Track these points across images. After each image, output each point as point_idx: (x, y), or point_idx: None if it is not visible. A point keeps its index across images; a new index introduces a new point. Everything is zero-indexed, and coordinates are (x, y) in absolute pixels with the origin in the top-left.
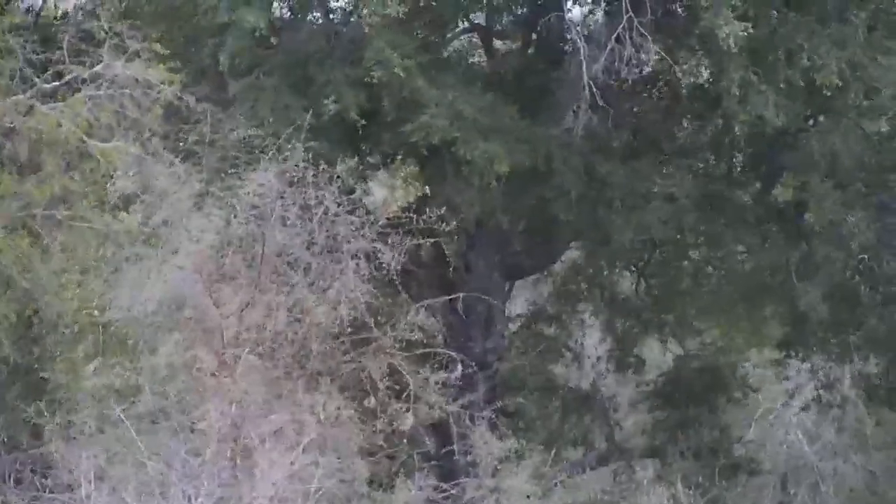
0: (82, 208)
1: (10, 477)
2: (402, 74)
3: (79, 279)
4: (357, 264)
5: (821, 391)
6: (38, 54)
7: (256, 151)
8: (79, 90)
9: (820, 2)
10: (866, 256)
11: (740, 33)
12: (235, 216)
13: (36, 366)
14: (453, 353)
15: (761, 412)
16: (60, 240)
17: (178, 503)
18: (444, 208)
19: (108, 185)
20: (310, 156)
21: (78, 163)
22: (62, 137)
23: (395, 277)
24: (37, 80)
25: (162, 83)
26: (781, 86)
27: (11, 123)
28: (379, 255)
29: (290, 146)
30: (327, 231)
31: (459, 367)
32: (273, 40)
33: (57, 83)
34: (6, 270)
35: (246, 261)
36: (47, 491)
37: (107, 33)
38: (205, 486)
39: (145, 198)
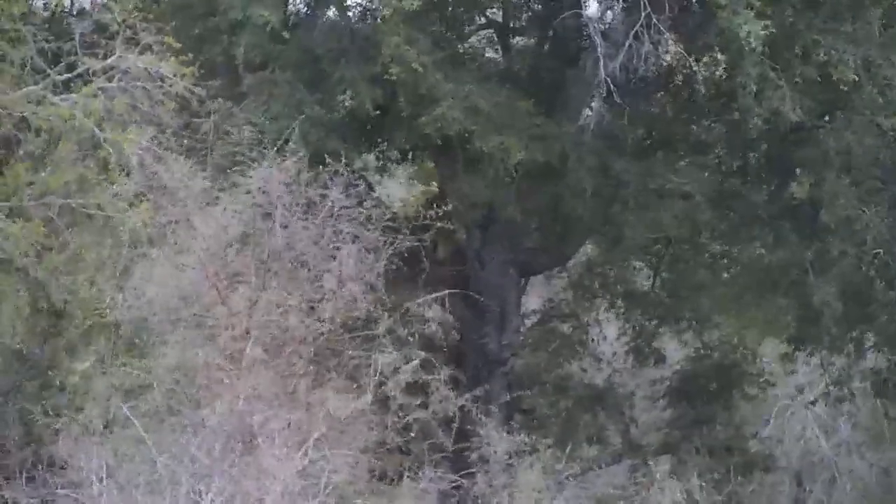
0: (96, 196)
1: (21, 474)
2: (420, 70)
3: (91, 277)
4: (367, 260)
5: (831, 387)
6: (49, 42)
7: (266, 148)
8: (91, 82)
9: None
10: (881, 252)
11: (760, 32)
12: (242, 213)
13: (47, 363)
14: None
15: (778, 408)
16: (74, 230)
17: (188, 500)
18: (458, 203)
19: (121, 176)
20: (319, 152)
21: (91, 153)
22: (75, 128)
23: (407, 273)
24: (49, 71)
25: (175, 76)
26: (797, 80)
27: (23, 112)
28: (390, 250)
29: (299, 142)
30: (335, 227)
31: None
32: (286, 34)
33: (70, 75)
34: (20, 260)
35: (253, 257)
36: (58, 488)
37: (120, 25)
38: (214, 482)
39: (153, 196)
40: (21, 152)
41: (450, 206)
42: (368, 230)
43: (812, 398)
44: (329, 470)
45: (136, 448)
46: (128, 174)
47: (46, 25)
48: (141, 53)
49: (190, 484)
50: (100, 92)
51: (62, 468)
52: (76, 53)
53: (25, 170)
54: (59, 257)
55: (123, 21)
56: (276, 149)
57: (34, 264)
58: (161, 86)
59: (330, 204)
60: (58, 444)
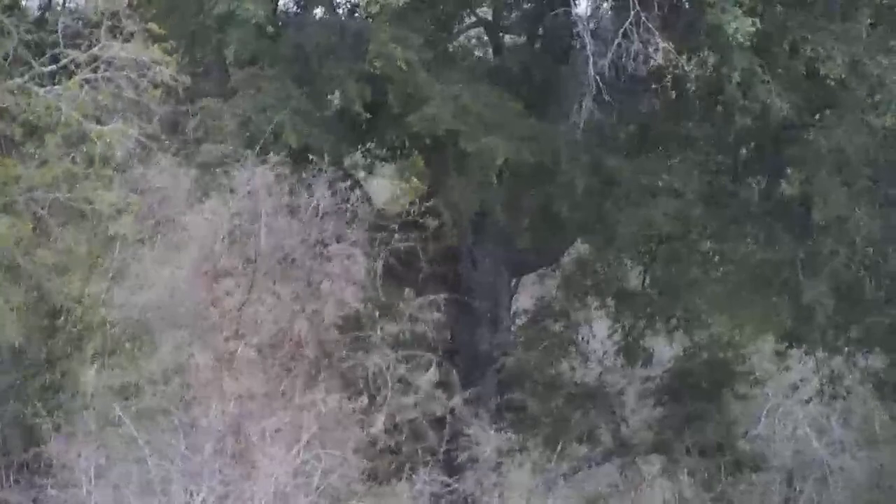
0: (84, 189)
1: (10, 475)
2: (404, 68)
3: (84, 275)
4: (358, 260)
5: (824, 385)
6: (31, 34)
7: (252, 146)
8: (75, 73)
9: None
10: (871, 251)
11: (748, 28)
12: (231, 212)
13: (42, 362)
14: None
15: (769, 407)
16: (65, 228)
17: (180, 500)
18: (449, 203)
19: (108, 169)
20: (309, 149)
21: (77, 146)
22: (61, 120)
23: (398, 273)
24: (34, 62)
25: (158, 63)
26: (781, 72)
27: (4, 104)
28: (381, 250)
29: (290, 137)
30: (327, 226)
31: (434, 367)
32: (270, 29)
33: (54, 66)
34: (9, 256)
35: (243, 257)
36: (49, 488)
37: (103, 14)
38: (206, 482)
39: (141, 195)
40: (9, 148)
41: (440, 205)
42: (357, 229)
43: (806, 397)
44: (321, 470)
45: (128, 448)
46: (115, 169)
47: (31, 19)
48: (125, 41)
49: (182, 484)
50: (84, 83)
51: (53, 468)
52: (60, 45)
53: (13, 165)
54: (49, 253)
55: (107, 9)
56: (261, 146)
57: (25, 259)
58: (144, 74)
59: (316, 203)
60: (49, 444)
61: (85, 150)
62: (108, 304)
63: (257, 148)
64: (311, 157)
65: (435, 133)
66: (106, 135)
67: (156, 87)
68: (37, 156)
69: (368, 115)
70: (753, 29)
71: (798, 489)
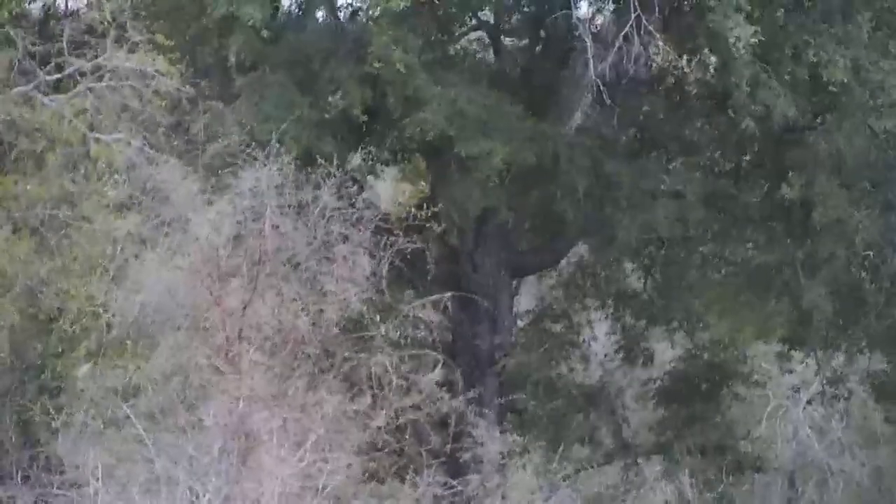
0: (84, 209)
1: (17, 474)
2: (402, 70)
3: (84, 280)
4: (360, 261)
5: (826, 387)
6: (35, 45)
7: (257, 149)
8: (80, 82)
9: (825, 1)
10: (871, 253)
11: (751, 38)
12: (234, 214)
13: (40, 362)
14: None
15: (770, 409)
16: (63, 240)
17: (186, 500)
18: (450, 206)
19: (110, 182)
20: (310, 152)
21: (80, 159)
22: (64, 131)
23: (401, 274)
24: (40, 71)
25: (163, 75)
26: (787, 78)
27: (8, 116)
28: (383, 251)
29: (290, 142)
30: (328, 228)
31: (439, 367)
32: (269, 34)
33: (59, 75)
34: (8, 270)
35: (245, 258)
36: (55, 488)
37: (110, 24)
38: (212, 482)
39: (145, 197)
40: (11, 158)
41: (441, 208)
42: (360, 231)
43: (808, 398)
44: (327, 471)
45: (134, 448)
46: (116, 182)
47: (36, 28)
48: (130, 52)
49: (187, 484)
50: (88, 91)
51: (60, 468)
52: (65, 54)
53: (15, 182)
54: (47, 265)
55: (114, 20)
56: (266, 150)
57: (23, 274)
58: (149, 84)
59: (321, 205)
60: (55, 443)
61: (84, 169)
62: (108, 305)
63: (264, 151)
64: (317, 158)
65: (427, 138)
66: (109, 147)
67: (162, 99)
68: (40, 170)
69: (367, 118)
70: (756, 40)
71: (799, 490)
